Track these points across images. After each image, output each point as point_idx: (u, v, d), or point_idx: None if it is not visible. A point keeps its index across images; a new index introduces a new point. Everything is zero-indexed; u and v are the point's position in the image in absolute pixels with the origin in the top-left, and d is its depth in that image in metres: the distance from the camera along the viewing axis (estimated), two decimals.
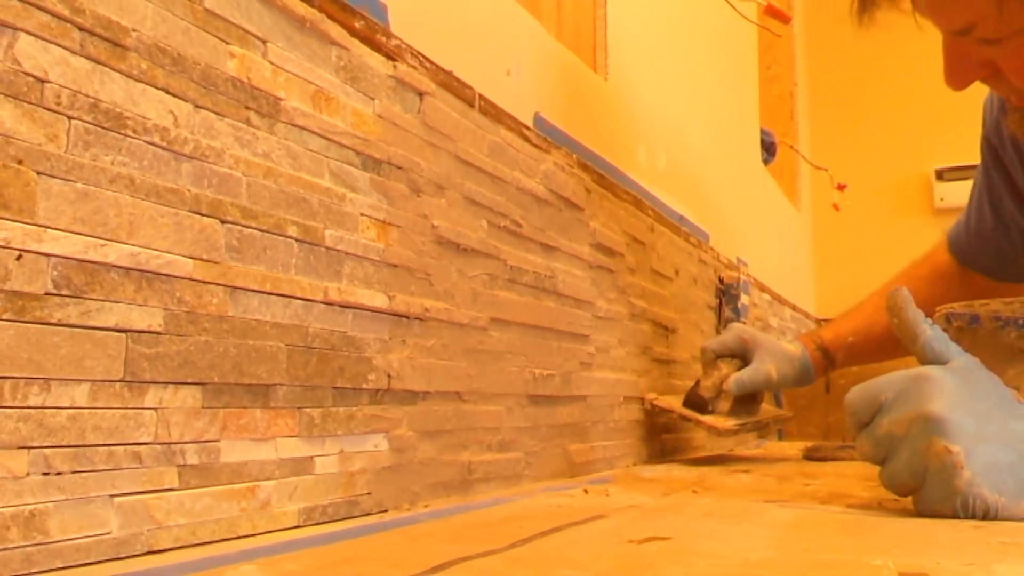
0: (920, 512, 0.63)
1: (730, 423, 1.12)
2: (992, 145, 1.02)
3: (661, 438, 1.26)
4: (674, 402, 1.14)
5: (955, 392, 0.61)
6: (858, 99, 3.90)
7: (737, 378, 1.10)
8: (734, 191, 1.99)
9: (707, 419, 1.10)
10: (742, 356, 1.13)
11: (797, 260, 3.08)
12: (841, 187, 2.96)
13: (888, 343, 1.03)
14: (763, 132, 2.43)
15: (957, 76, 0.74)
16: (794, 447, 1.56)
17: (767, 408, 1.24)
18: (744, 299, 1.66)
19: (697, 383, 1.13)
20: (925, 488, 0.62)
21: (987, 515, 0.59)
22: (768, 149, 2.47)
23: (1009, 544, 0.51)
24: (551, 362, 0.93)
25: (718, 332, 1.60)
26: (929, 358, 0.66)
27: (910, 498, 0.64)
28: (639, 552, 0.49)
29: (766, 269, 2.24)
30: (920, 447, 0.61)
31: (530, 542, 0.53)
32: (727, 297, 1.62)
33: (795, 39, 3.41)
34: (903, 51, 3.85)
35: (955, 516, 0.60)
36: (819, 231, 3.57)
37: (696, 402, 1.11)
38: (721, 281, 1.62)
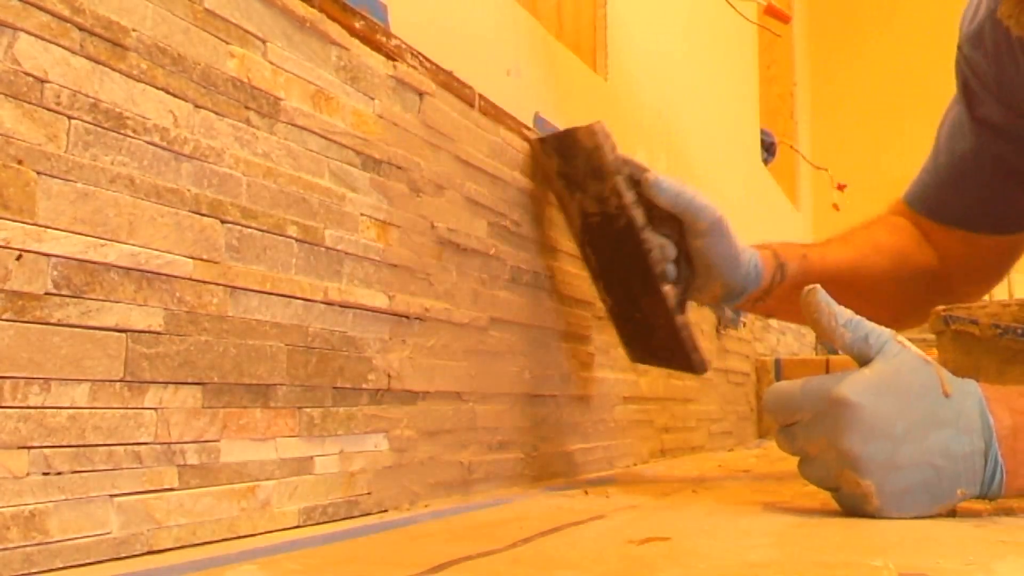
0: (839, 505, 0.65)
1: None
2: (964, 55, 0.94)
3: (661, 438, 1.26)
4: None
5: (872, 418, 0.60)
6: (858, 99, 3.90)
7: None
8: (734, 191, 1.99)
9: None
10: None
11: None
12: (841, 187, 2.96)
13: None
14: (763, 132, 2.43)
15: None
16: None
17: None
18: None
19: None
20: (839, 496, 0.64)
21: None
22: (768, 149, 2.47)
23: (1009, 543, 0.51)
24: (551, 362, 0.93)
25: (718, 332, 1.60)
26: (853, 355, 0.65)
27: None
28: (639, 552, 0.49)
29: None
30: (833, 471, 0.62)
31: (530, 542, 0.53)
32: None
33: (795, 39, 3.41)
34: (903, 51, 3.85)
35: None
36: (819, 231, 3.57)
37: None
38: None
